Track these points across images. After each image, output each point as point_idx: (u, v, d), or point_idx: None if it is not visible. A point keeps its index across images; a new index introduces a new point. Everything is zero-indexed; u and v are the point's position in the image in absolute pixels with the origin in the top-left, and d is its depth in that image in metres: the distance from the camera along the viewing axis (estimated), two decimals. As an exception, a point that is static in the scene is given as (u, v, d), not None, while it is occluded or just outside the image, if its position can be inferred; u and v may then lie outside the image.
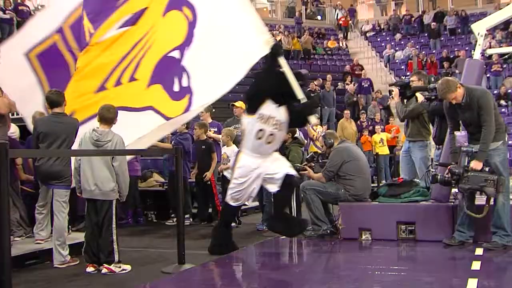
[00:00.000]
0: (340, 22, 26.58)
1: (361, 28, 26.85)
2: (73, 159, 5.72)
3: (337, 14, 27.14)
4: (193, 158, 8.87)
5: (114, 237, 5.45)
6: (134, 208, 8.99)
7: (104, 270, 5.41)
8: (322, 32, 26.00)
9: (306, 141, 9.79)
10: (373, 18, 27.90)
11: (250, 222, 8.66)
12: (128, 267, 5.51)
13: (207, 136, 8.84)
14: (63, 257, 5.72)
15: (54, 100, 5.85)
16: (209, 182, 8.62)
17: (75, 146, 5.79)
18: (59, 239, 5.74)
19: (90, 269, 5.47)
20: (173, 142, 8.73)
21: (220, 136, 9.15)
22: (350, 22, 26.55)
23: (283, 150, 7.92)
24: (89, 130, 5.59)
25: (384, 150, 15.39)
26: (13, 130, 7.02)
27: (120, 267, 5.46)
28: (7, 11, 14.85)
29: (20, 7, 15.51)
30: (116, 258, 5.46)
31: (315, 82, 18.53)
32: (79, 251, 6.05)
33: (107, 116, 5.55)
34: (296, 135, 8.21)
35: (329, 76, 19.62)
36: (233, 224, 8.00)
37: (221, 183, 8.44)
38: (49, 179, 5.81)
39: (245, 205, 9.94)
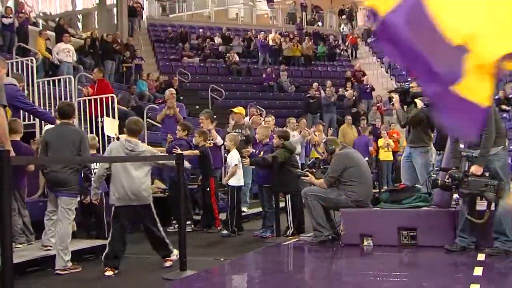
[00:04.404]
0: (348, 40, 25.87)
1: (361, 34, 26.86)
2: (100, 166, 5.95)
3: (342, 28, 26.93)
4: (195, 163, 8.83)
5: (163, 233, 5.87)
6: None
7: (168, 263, 5.80)
8: (323, 36, 25.93)
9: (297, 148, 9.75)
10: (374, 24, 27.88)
11: (251, 228, 8.64)
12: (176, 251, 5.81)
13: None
14: (64, 263, 5.73)
15: (66, 112, 6.10)
16: (208, 189, 8.62)
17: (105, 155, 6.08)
18: (62, 244, 5.76)
19: (109, 273, 5.55)
20: (167, 147, 8.77)
21: (220, 139, 9.18)
22: (358, 39, 26.16)
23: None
24: (121, 140, 5.90)
25: (388, 156, 15.43)
26: None
27: (175, 255, 5.80)
28: (8, 18, 14.88)
29: (20, 14, 15.55)
30: (172, 250, 5.85)
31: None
32: (81, 258, 6.09)
33: (134, 128, 5.84)
34: (287, 142, 7.98)
35: (329, 82, 19.68)
36: (225, 232, 8.02)
37: (230, 193, 8.23)
38: (56, 186, 5.92)
39: (245, 211, 9.96)
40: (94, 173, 6.96)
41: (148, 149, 5.88)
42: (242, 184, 8.37)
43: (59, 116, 6.18)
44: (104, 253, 5.67)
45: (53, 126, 6.32)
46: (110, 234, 5.73)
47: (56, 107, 6.34)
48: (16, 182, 6.37)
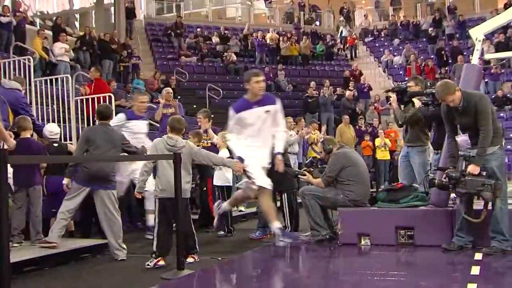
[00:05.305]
0: (347, 42, 25.68)
1: (359, 34, 26.87)
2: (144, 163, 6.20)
3: (341, 31, 26.83)
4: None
5: (194, 230, 6.05)
6: (130, 216, 8.96)
7: (190, 260, 5.86)
8: (320, 35, 25.89)
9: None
10: (372, 23, 27.95)
11: (248, 227, 8.63)
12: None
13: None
14: (125, 250, 6.23)
15: (105, 114, 6.64)
16: (205, 188, 8.60)
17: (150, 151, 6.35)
18: (120, 235, 6.30)
19: (161, 262, 5.75)
20: None
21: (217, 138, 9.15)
22: (356, 41, 26.01)
23: None
24: (163, 137, 6.14)
25: (385, 155, 15.42)
26: (51, 129, 7.33)
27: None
28: (5, 17, 14.83)
29: (17, 13, 15.51)
30: (197, 249, 6.05)
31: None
32: (78, 257, 6.10)
33: (177, 127, 6.14)
34: None
35: (327, 81, 19.67)
36: (222, 232, 7.99)
37: (219, 194, 8.20)
38: (99, 180, 6.25)
39: (242, 211, 9.96)
40: None
41: (188, 145, 6.11)
42: (230, 184, 8.32)
43: (98, 118, 6.67)
44: (154, 245, 5.82)
45: (96, 125, 6.80)
46: (157, 226, 5.87)
47: (96, 110, 6.89)
48: (28, 180, 6.44)
